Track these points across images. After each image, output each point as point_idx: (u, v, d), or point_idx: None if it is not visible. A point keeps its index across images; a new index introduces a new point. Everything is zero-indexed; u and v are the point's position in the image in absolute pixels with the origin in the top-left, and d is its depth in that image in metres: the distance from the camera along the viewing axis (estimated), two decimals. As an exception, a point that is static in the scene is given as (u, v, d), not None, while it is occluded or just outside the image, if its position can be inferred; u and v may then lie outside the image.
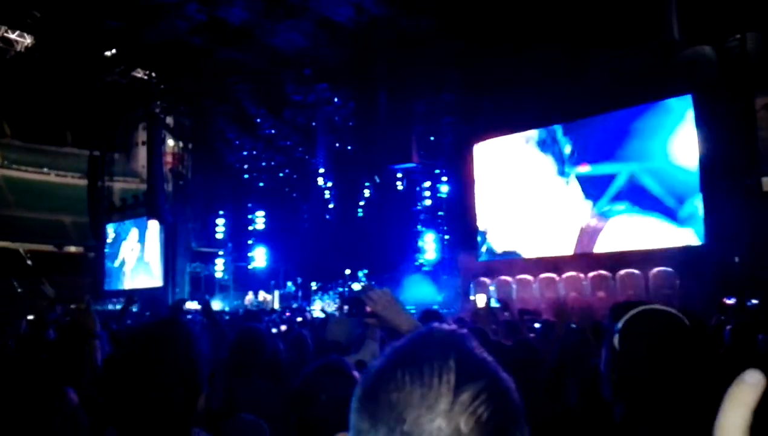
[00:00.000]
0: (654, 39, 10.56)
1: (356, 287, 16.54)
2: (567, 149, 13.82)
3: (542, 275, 13.05)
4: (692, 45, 10.75)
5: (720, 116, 10.88)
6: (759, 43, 10.53)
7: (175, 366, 1.35)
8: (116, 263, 22.91)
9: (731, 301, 6.54)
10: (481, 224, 15.28)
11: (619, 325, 1.49)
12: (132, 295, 6.19)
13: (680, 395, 1.42)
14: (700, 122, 11.48)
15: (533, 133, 14.45)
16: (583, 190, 13.35)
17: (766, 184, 10.88)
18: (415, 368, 0.61)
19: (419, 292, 14.06)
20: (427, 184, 17.31)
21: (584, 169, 13.44)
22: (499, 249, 14.91)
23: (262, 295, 18.53)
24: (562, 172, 13.81)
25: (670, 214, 11.89)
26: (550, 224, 13.84)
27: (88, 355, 2.56)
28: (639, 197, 12.33)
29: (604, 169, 13.06)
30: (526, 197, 14.39)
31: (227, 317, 9.92)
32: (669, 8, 10.23)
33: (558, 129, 14.00)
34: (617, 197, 12.76)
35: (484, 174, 15.42)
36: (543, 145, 14.32)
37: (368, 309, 1.78)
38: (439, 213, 17.17)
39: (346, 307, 1.94)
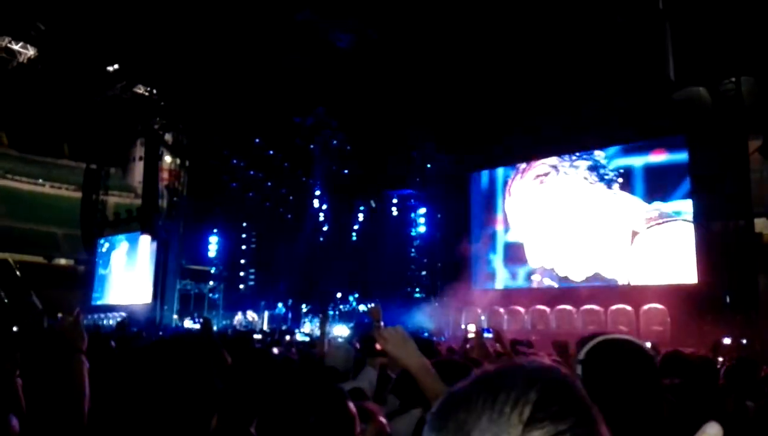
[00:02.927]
0: (651, 78, 10.73)
1: (363, 308, 16.41)
2: (564, 181, 13.94)
3: (533, 307, 13.03)
4: (688, 86, 10.93)
5: (713, 157, 11.01)
6: (753, 87, 10.73)
7: (193, 382, 1.36)
8: (106, 278, 22.72)
9: (728, 341, 6.53)
10: (475, 252, 15.30)
11: (581, 355, 1.50)
12: (125, 320, 6.12)
13: (645, 422, 1.42)
14: (694, 162, 11.62)
15: (531, 165, 14.58)
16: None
17: (758, 225, 10.99)
18: (491, 393, 0.59)
19: (410, 319, 13.99)
20: (422, 211, 17.35)
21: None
22: (491, 279, 14.91)
23: (251, 315, 18.41)
24: (559, 204, 13.90)
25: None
26: (546, 255, 13.87)
27: (76, 371, 2.49)
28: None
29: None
30: (521, 229, 14.44)
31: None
32: (666, 49, 10.43)
33: (555, 161, 14.14)
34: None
35: (479, 203, 15.49)
36: (542, 176, 14.43)
37: (378, 347, 1.79)
38: (433, 241, 17.16)
39: (347, 337, 1.93)
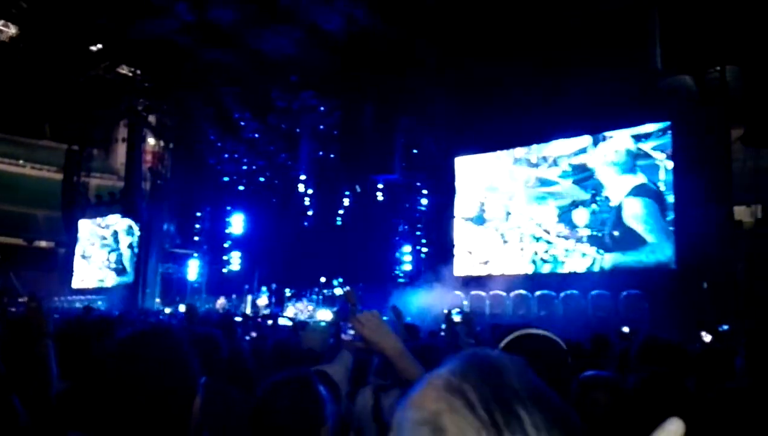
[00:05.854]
0: (637, 66, 10.75)
1: (338, 291, 16.40)
2: (548, 167, 13.98)
3: (515, 292, 13.12)
4: (673, 74, 10.96)
5: (696, 145, 11.11)
6: (737, 76, 10.79)
7: (169, 367, 1.34)
8: (87, 260, 22.51)
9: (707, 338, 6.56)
10: (459, 238, 15.34)
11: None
12: (89, 306, 6.04)
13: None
14: (677, 149, 11.71)
15: (515, 151, 14.60)
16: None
17: (737, 213, 11.13)
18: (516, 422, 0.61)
19: (394, 304, 14.00)
20: (408, 196, 17.34)
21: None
22: (475, 264, 14.97)
23: (249, 299, 18.38)
24: (542, 189, 13.94)
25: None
26: (528, 241, 13.95)
27: (42, 355, 2.46)
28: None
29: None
30: (505, 213, 14.49)
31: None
32: (653, 37, 10.43)
33: (539, 148, 14.16)
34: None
35: (464, 189, 15.51)
36: (525, 162, 14.46)
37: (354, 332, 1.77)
38: (418, 226, 17.19)
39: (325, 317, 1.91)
